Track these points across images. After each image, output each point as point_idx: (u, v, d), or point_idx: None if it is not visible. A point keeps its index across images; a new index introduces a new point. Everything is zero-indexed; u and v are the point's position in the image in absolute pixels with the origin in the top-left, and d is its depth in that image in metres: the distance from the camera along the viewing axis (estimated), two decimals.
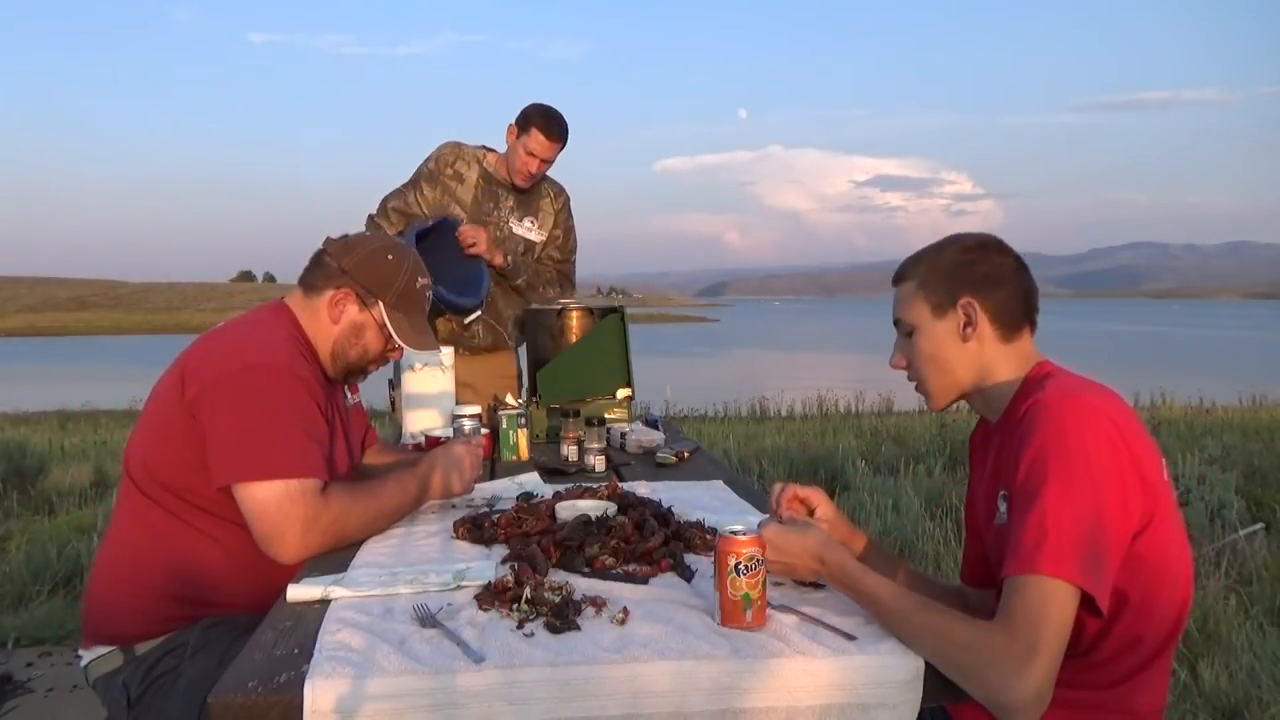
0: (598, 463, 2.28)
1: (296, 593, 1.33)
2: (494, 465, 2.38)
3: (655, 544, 1.49)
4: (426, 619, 1.22)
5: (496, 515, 1.69)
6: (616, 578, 1.40)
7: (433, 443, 2.24)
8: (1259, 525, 4.21)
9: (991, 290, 1.34)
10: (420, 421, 2.60)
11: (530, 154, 3.10)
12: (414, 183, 3.25)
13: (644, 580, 1.39)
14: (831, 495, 1.51)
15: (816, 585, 1.34)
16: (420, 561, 1.50)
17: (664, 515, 1.65)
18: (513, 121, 3.14)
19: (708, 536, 1.57)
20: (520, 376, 3.37)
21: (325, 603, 1.31)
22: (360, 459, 2.02)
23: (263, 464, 1.54)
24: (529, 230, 3.28)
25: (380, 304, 1.80)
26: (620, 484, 1.87)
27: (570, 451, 2.38)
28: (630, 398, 2.90)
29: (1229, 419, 9.20)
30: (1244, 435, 7.40)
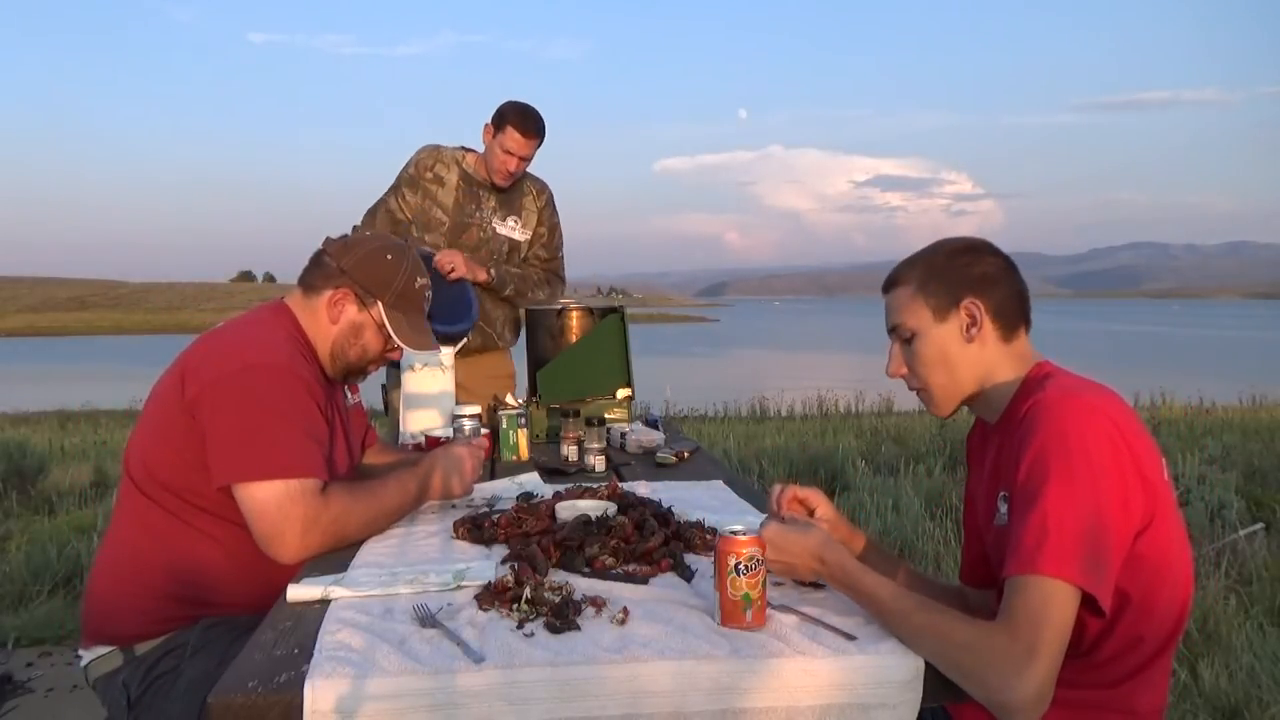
0: (598, 463, 2.28)
1: (296, 593, 1.33)
2: (494, 465, 2.38)
3: (655, 544, 1.49)
4: (426, 619, 1.22)
5: (496, 515, 1.69)
6: (616, 578, 1.40)
7: (433, 443, 2.24)
8: (1259, 525, 4.21)
9: (990, 290, 1.34)
10: (420, 422, 2.60)
11: (508, 152, 3.08)
12: (395, 189, 3.24)
13: (644, 580, 1.39)
14: (831, 495, 1.51)
15: (816, 585, 1.34)
16: (420, 561, 1.50)
17: (664, 515, 1.65)
18: (488, 121, 3.12)
19: (708, 536, 1.57)
20: (515, 375, 3.37)
21: (325, 603, 1.31)
22: (360, 459, 2.02)
23: (263, 464, 1.54)
24: (513, 229, 3.27)
25: (379, 304, 1.80)
26: (620, 484, 1.87)
27: (570, 451, 2.38)
28: (630, 398, 2.90)
29: (1229, 419, 9.20)
30: (1244, 435, 7.39)
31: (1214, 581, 3.45)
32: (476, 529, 1.63)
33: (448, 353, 2.67)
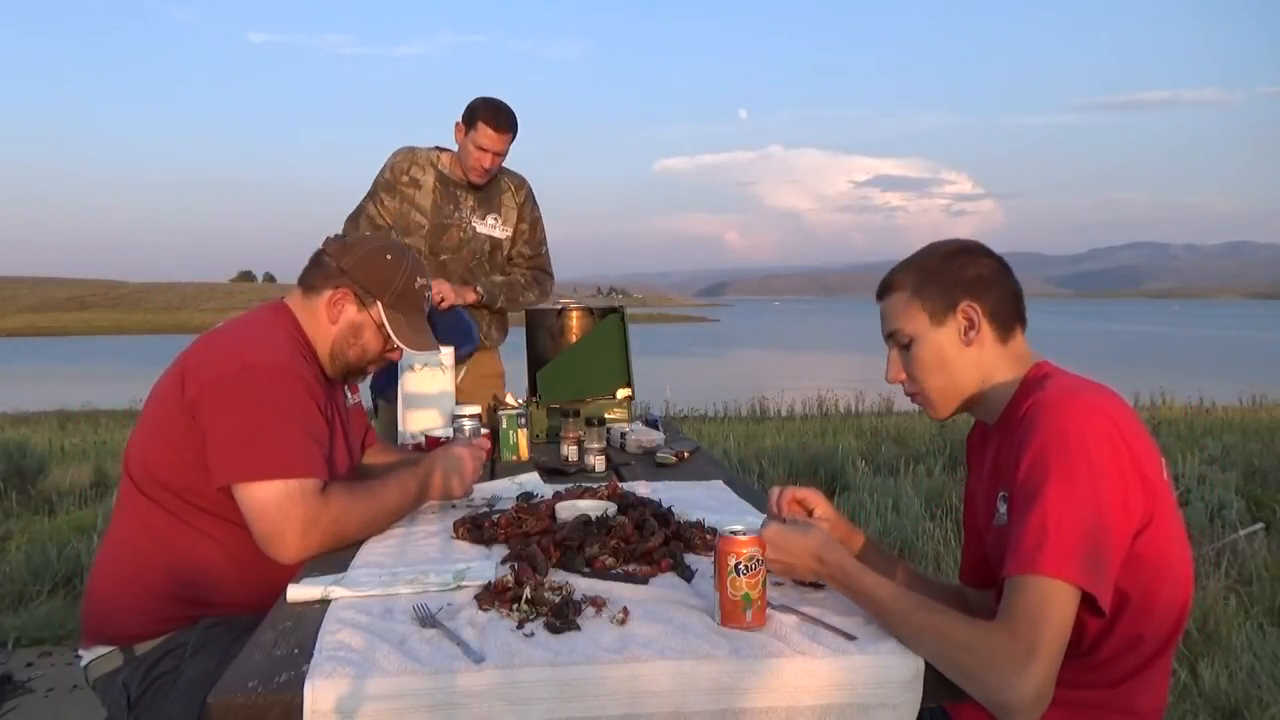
0: (598, 463, 2.29)
1: (296, 593, 1.33)
2: (494, 465, 2.38)
3: (655, 544, 1.49)
4: (426, 619, 1.22)
5: (496, 515, 1.69)
6: (616, 578, 1.40)
7: (433, 443, 2.24)
8: (1259, 525, 4.21)
9: (986, 291, 1.34)
10: (420, 421, 2.60)
11: (481, 149, 3.05)
12: (373, 194, 3.20)
13: (644, 580, 1.39)
14: (831, 495, 1.51)
15: (816, 585, 1.34)
16: (420, 561, 1.50)
17: (664, 515, 1.65)
18: (459, 119, 3.08)
19: (708, 536, 1.58)
20: (504, 375, 3.35)
21: (325, 603, 1.31)
22: (360, 459, 2.02)
23: (263, 464, 1.54)
24: (493, 228, 3.24)
25: (378, 304, 1.80)
26: (620, 484, 1.87)
27: (570, 451, 2.38)
28: (630, 398, 2.90)
29: (1229, 419, 9.20)
30: (1244, 435, 7.40)
31: (1214, 581, 3.45)
32: (476, 529, 1.63)
33: (447, 352, 2.67)
